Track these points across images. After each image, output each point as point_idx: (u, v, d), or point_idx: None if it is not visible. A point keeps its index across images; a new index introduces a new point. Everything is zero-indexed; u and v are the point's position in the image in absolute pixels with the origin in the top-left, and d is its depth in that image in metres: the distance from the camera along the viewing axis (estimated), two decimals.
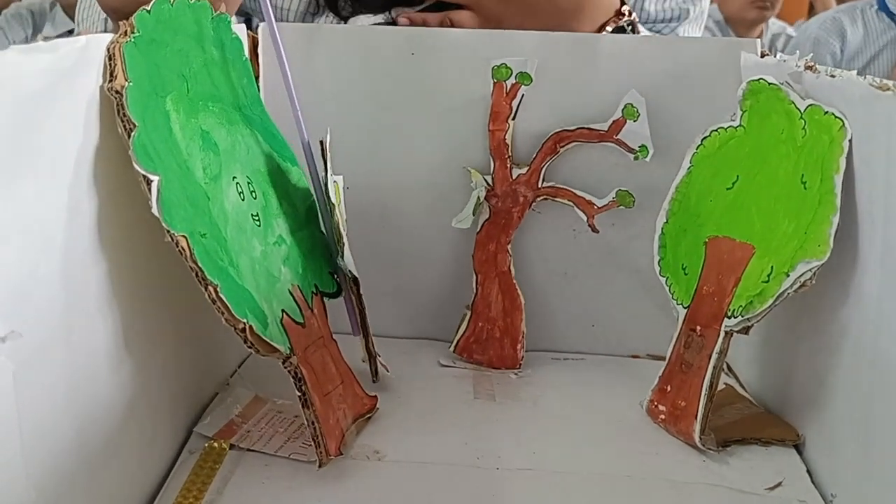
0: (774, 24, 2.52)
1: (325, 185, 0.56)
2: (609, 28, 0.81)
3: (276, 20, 0.59)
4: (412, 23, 0.79)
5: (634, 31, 0.84)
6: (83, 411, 0.41)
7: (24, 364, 0.35)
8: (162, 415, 0.52)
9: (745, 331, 0.54)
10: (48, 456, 0.38)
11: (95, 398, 0.42)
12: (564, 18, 0.79)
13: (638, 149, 0.65)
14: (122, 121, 0.41)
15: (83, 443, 0.41)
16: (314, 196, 0.60)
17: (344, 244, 0.55)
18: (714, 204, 0.58)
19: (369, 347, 0.60)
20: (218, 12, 0.53)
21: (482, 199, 0.67)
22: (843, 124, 0.49)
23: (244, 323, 0.45)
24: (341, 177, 0.61)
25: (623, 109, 0.65)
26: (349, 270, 0.57)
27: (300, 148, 0.60)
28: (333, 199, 0.54)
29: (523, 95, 0.66)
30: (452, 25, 0.78)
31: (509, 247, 0.68)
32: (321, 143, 0.55)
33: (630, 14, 0.83)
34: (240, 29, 0.59)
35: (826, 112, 0.51)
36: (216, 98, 0.51)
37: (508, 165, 0.67)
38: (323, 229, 0.60)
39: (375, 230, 0.69)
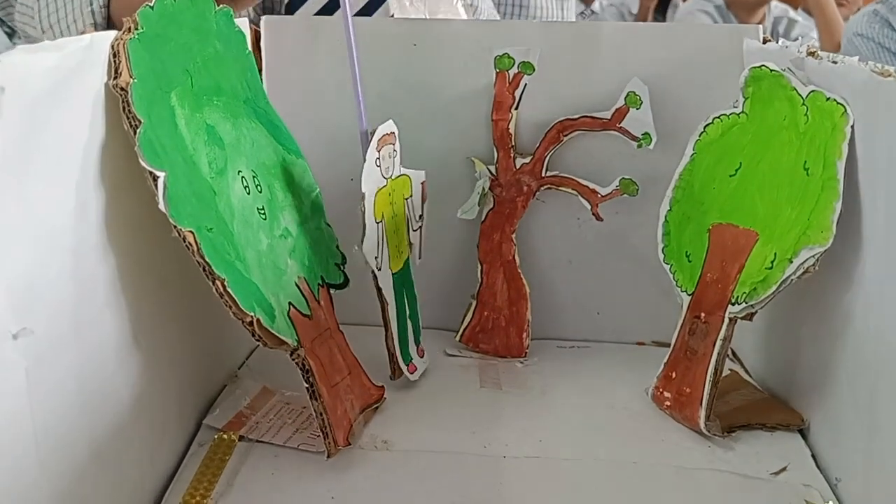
0: (777, 6, 2.50)
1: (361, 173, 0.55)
2: None
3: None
4: None
5: None
6: (94, 405, 0.42)
7: (37, 360, 0.36)
8: (171, 407, 0.52)
9: (750, 317, 0.54)
10: (60, 449, 0.38)
11: (105, 392, 0.43)
12: None
13: (641, 136, 0.65)
14: (128, 117, 0.41)
15: (94, 436, 0.42)
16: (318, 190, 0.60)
17: (366, 234, 0.55)
18: (717, 191, 0.58)
19: (388, 343, 0.60)
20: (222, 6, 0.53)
21: (486, 189, 0.67)
22: (846, 110, 0.49)
23: (252, 316, 0.45)
24: (422, 172, 0.62)
25: (626, 97, 0.65)
26: (365, 261, 0.56)
27: (303, 141, 0.60)
28: (364, 188, 0.54)
29: (526, 85, 0.66)
30: None
31: (514, 236, 0.68)
32: (371, 132, 0.55)
33: None
34: (242, 22, 0.60)
35: (828, 98, 0.51)
36: (220, 92, 0.51)
37: (512, 155, 0.67)
38: (328, 222, 0.61)
39: None
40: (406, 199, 0.61)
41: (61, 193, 0.38)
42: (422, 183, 0.63)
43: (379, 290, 0.58)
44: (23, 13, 0.79)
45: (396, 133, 0.58)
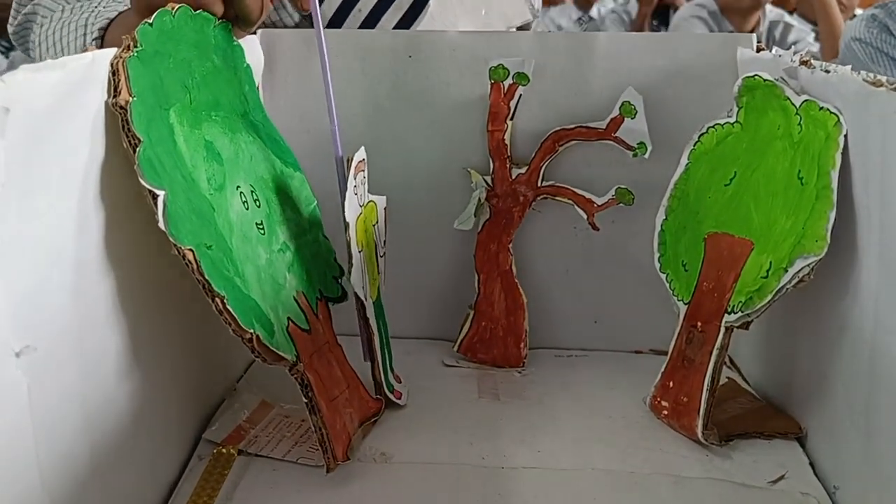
0: (772, 11, 2.51)
1: (343, 203, 0.54)
2: None
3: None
4: None
5: None
6: (94, 419, 0.42)
7: (38, 376, 0.36)
8: (171, 422, 0.53)
9: (746, 326, 0.54)
10: (62, 463, 0.39)
11: (106, 407, 0.43)
12: None
13: (636, 146, 0.65)
14: (127, 136, 0.41)
15: (95, 450, 0.42)
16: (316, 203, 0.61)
17: (352, 265, 0.54)
18: (712, 200, 0.58)
19: (376, 374, 0.59)
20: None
21: (483, 199, 0.68)
22: (839, 120, 0.50)
23: (251, 333, 0.45)
24: (383, 197, 0.61)
25: (621, 107, 0.65)
26: (354, 292, 0.56)
27: (301, 154, 0.60)
28: (348, 218, 0.53)
29: (521, 95, 0.66)
30: None
31: (510, 246, 0.68)
32: (348, 159, 0.55)
33: None
34: (251, 40, 0.60)
35: (821, 108, 0.51)
36: (219, 106, 0.51)
37: (508, 165, 0.67)
38: (326, 234, 0.61)
39: None
40: (374, 226, 0.60)
41: (63, 210, 0.38)
42: (384, 209, 0.62)
43: (366, 320, 0.57)
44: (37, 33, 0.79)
45: (366, 160, 0.57)
